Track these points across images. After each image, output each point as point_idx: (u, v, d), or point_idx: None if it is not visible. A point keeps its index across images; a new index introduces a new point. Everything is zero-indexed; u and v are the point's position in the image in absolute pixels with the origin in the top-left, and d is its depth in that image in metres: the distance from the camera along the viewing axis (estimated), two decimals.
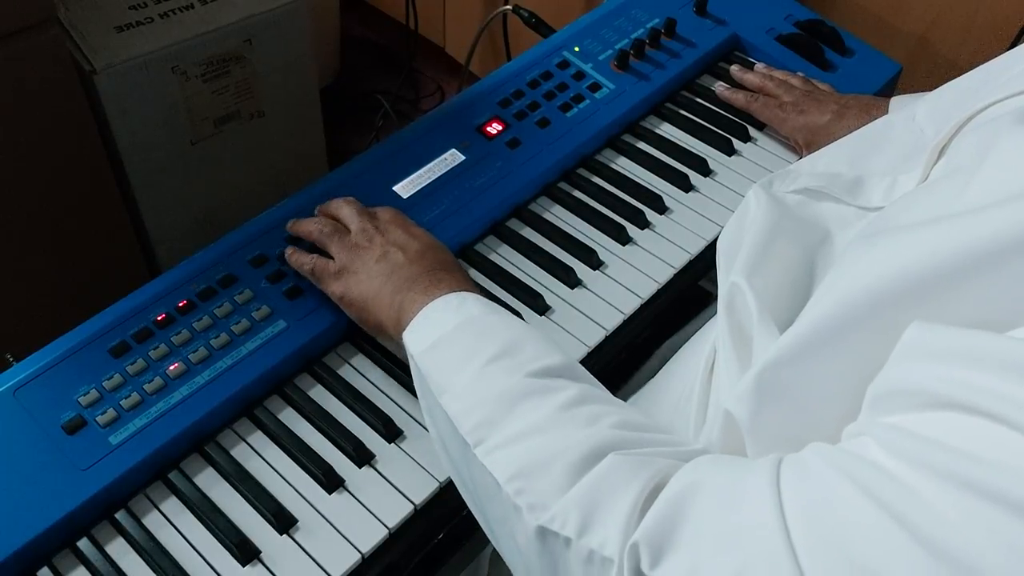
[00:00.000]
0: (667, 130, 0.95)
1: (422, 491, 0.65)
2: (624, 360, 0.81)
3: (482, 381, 0.53)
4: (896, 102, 0.81)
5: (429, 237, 0.71)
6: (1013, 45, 1.21)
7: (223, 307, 0.72)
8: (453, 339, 0.58)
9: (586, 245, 0.82)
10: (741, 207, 0.62)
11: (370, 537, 0.63)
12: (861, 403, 0.40)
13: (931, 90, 0.79)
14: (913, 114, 0.63)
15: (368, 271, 0.67)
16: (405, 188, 0.83)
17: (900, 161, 0.60)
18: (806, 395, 0.44)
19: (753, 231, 0.58)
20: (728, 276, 0.57)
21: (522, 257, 0.82)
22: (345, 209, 0.73)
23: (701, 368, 0.59)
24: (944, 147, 0.53)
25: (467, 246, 0.82)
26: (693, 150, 0.92)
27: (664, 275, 0.80)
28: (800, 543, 0.36)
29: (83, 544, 0.62)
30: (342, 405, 0.70)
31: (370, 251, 0.69)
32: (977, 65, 0.61)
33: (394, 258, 0.67)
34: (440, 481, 0.66)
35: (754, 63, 1.00)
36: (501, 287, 0.79)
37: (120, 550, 0.62)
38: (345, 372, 0.72)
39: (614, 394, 0.56)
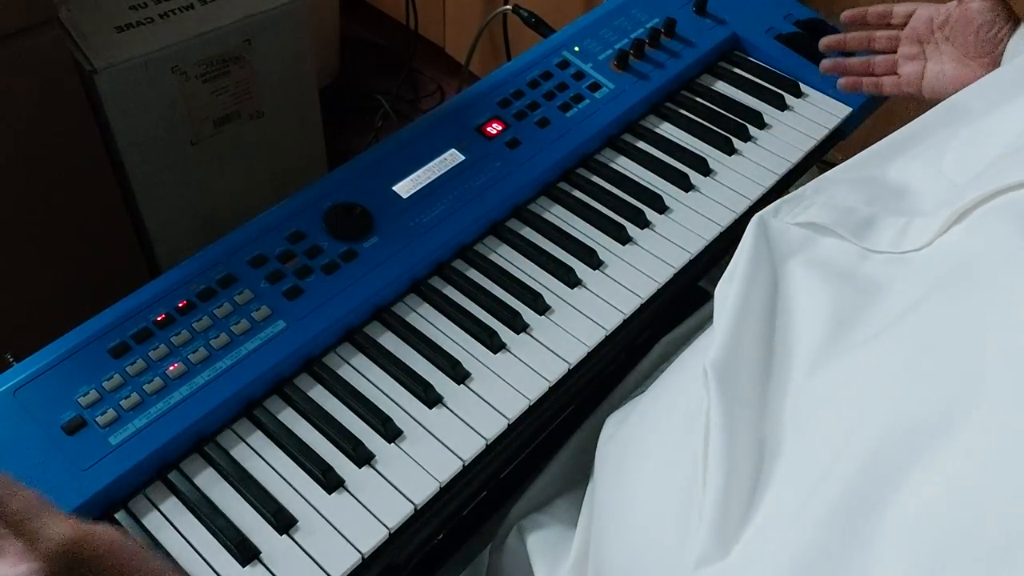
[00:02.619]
0: (667, 129, 0.95)
1: (422, 491, 0.65)
2: (624, 360, 0.81)
3: None
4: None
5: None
6: None
7: (223, 307, 0.72)
8: None
9: (586, 245, 0.82)
10: (738, 251, 0.59)
11: (370, 537, 0.63)
12: None
13: None
14: (939, 162, 0.59)
15: None
16: (405, 188, 0.83)
17: (919, 205, 0.57)
18: None
19: (731, 306, 0.55)
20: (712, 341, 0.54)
21: (522, 257, 0.82)
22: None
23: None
24: (966, 212, 0.50)
25: (467, 246, 0.82)
26: (693, 149, 0.92)
27: (664, 275, 0.80)
28: None
29: None
30: (342, 405, 0.70)
31: None
32: None
33: None
34: (440, 481, 0.66)
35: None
36: (501, 287, 0.79)
37: None
38: (345, 372, 0.72)
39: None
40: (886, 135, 0.65)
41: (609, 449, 0.68)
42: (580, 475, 0.76)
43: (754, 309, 0.55)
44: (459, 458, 0.67)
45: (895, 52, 0.88)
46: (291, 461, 0.67)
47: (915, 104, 0.84)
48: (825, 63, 0.95)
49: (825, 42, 0.94)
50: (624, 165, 0.91)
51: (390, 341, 0.75)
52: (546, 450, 0.80)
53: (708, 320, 0.75)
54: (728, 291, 0.57)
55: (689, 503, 0.52)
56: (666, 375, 0.69)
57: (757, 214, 0.62)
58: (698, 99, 0.99)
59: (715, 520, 0.47)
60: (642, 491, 0.60)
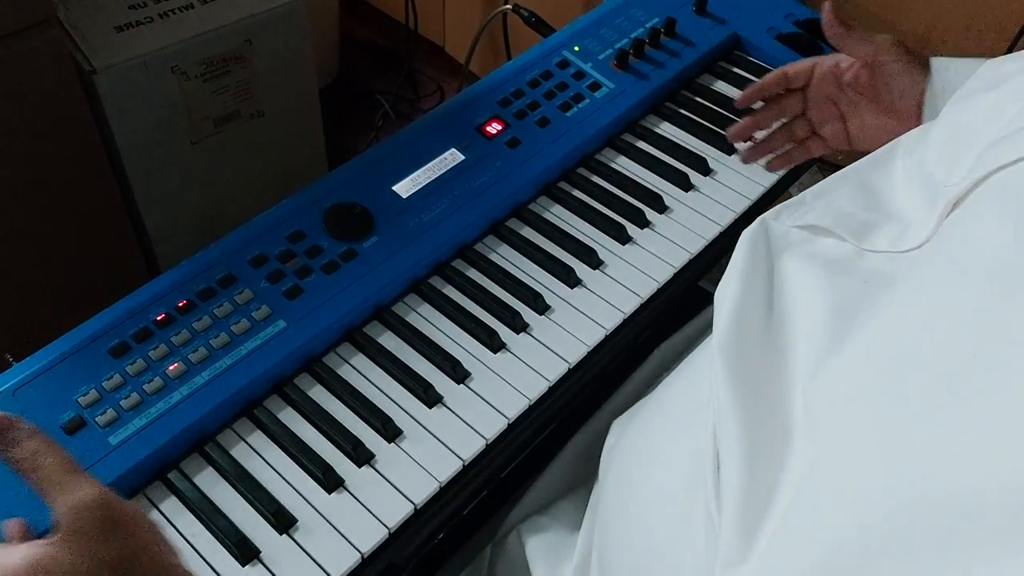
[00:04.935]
0: (667, 129, 0.95)
1: (422, 491, 0.65)
2: (624, 360, 0.81)
3: None
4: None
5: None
6: (1013, 45, 1.21)
7: (223, 307, 0.72)
8: None
9: (586, 245, 0.82)
10: (736, 250, 0.59)
11: (370, 537, 0.63)
12: None
13: None
14: (921, 159, 0.59)
15: None
16: (405, 188, 0.83)
17: (911, 207, 0.57)
18: None
19: (731, 297, 0.55)
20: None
21: (522, 257, 0.82)
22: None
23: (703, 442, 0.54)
24: (959, 200, 0.50)
25: (467, 246, 0.82)
26: (693, 149, 0.92)
27: (664, 275, 0.80)
28: None
29: None
30: (342, 405, 0.70)
31: None
32: None
33: None
34: (440, 481, 0.66)
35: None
36: (501, 287, 0.79)
37: None
38: (345, 372, 0.72)
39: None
40: None
41: (614, 456, 0.68)
42: (582, 477, 0.75)
43: (755, 299, 0.56)
44: (459, 458, 0.67)
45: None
46: (291, 461, 0.67)
47: None
48: (744, 153, 0.88)
49: (734, 131, 0.86)
50: (624, 165, 0.91)
51: (390, 341, 0.75)
52: (546, 450, 0.80)
53: (710, 325, 0.75)
54: (727, 289, 0.57)
55: (694, 499, 0.52)
56: (670, 379, 0.69)
57: (759, 216, 0.62)
58: (698, 99, 0.98)
59: (737, 510, 0.46)
60: (647, 494, 0.60)
